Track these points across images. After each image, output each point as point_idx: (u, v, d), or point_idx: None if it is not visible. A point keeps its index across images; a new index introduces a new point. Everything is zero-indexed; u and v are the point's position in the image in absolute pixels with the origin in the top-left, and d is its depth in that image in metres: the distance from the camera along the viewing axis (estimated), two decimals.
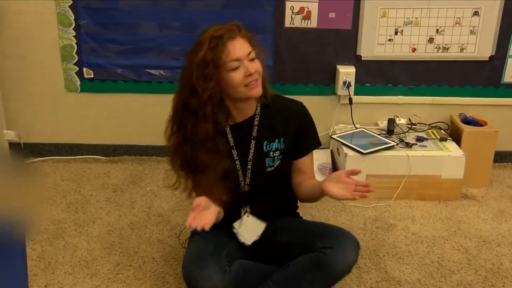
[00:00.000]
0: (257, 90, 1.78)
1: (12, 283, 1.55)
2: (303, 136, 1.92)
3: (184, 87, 1.76)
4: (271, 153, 1.90)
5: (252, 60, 1.76)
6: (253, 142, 1.89)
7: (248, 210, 1.94)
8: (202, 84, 1.71)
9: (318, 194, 1.83)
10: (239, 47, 1.73)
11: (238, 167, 1.91)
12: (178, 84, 1.81)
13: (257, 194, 1.93)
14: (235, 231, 1.92)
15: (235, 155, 1.90)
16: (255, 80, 1.76)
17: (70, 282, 2.08)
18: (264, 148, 1.89)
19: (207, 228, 1.68)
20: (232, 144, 1.89)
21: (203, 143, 1.78)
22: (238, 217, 1.94)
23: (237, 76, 1.74)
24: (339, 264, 1.78)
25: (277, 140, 1.89)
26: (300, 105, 1.94)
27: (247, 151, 1.89)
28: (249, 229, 1.92)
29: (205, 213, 1.72)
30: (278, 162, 1.91)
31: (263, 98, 1.85)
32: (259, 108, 1.88)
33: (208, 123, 1.76)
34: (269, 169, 1.91)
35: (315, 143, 1.97)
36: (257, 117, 1.88)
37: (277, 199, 1.97)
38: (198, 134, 1.76)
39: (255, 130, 1.88)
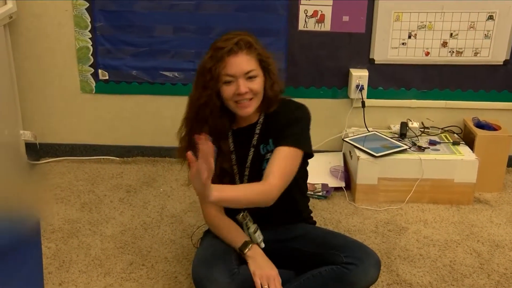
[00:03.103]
0: (246, 111, 1.80)
1: (27, 280, 1.58)
2: (282, 129, 1.83)
3: (192, 90, 1.84)
4: (268, 155, 1.88)
5: (250, 78, 1.76)
6: (252, 149, 1.90)
7: (246, 215, 1.95)
8: (199, 91, 1.78)
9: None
10: (236, 64, 1.74)
11: (236, 171, 1.92)
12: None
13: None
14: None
15: (233, 160, 1.92)
16: (246, 99, 1.77)
17: (84, 280, 2.11)
18: (261, 151, 1.89)
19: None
20: (232, 149, 1.91)
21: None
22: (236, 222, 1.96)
23: (227, 91, 1.77)
24: (361, 282, 1.80)
25: (269, 141, 1.88)
26: (299, 109, 1.88)
27: (246, 157, 1.91)
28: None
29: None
30: None
31: (267, 109, 1.86)
32: (262, 117, 1.89)
33: (206, 125, 1.81)
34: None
35: (289, 139, 1.80)
36: (258, 125, 1.89)
37: (277, 204, 1.84)
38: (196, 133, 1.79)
39: (255, 139, 1.89)
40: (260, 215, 1.92)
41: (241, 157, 1.91)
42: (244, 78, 1.76)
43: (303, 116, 1.88)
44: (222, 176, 1.88)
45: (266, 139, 1.89)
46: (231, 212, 1.94)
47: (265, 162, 1.89)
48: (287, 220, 2.01)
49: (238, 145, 1.91)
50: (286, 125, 1.84)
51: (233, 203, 1.78)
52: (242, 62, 1.75)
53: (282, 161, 1.79)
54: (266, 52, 1.82)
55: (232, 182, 1.92)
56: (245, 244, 1.88)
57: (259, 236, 1.93)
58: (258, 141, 1.89)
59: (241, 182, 1.93)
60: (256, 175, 1.90)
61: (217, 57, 1.74)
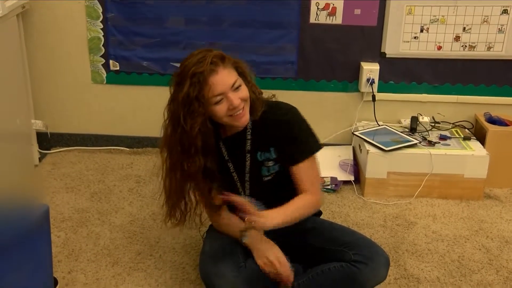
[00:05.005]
0: (243, 120, 1.77)
1: (37, 268, 1.60)
2: (292, 142, 1.85)
3: (174, 125, 1.76)
4: (265, 162, 1.88)
5: (237, 89, 1.73)
6: (248, 155, 1.88)
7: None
8: (189, 121, 1.72)
9: None
10: (221, 81, 1.70)
11: (236, 179, 1.92)
12: (167, 119, 1.80)
13: (259, 202, 1.90)
14: None
15: (231, 167, 1.91)
16: (240, 109, 1.75)
17: (92, 269, 2.13)
18: (259, 158, 1.88)
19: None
20: (226, 157, 1.90)
21: (200, 173, 1.80)
22: None
23: (221, 110, 1.73)
24: (370, 281, 1.80)
25: (268, 149, 1.87)
26: (290, 112, 1.87)
27: (243, 163, 1.89)
28: None
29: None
30: (275, 171, 1.89)
31: (254, 115, 1.83)
32: (250, 123, 1.85)
33: (199, 155, 1.77)
34: (266, 178, 1.90)
35: (307, 150, 1.87)
36: (248, 131, 1.86)
37: (282, 205, 1.88)
38: (192, 168, 1.77)
39: (248, 144, 1.87)
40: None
41: (238, 164, 1.90)
42: (232, 91, 1.72)
43: (300, 120, 1.87)
44: (223, 185, 1.88)
45: (264, 147, 1.87)
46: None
47: (265, 169, 1.89)
48: None
49: (231, 152, 1.90)
50: (292, 137, 1.84)
51: (288, 223, 1.83)
52: (224, 77, 1.71)
53: (310, 174, 1.88)
54: (236, 58, 1.79)
55: (234, 189, 1.91)
56: (242, 235, 1.87)
57: None
58: (252, 147, 1.87)
59: (243, 188, 1.93)
60: (256, 181, 1.91)
61: (199, 82, 1.68)
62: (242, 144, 1.88)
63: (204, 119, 1.73)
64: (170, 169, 1.83)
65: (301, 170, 1.86)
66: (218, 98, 1.71)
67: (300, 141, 1.86)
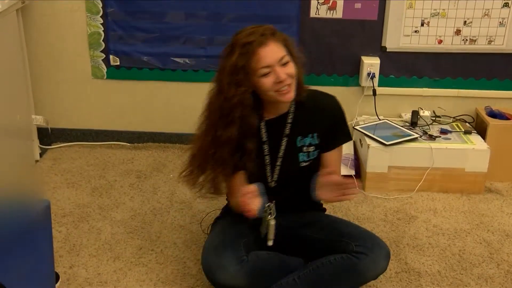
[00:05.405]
0: (288, 96, 1.78)
1: (39, 263, 1.60)
2: (333, 129, 1.92)
3: (217, 92, 1.79)
4: (305, 148, 1.90)
5: (284, 64, 1.75)
6: (285, 139, 1.90)
7: (271, 207, 1.92)
8: (232, 89, 1.74)
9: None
10: (270, 54, 1.73)
11: (267, 162, 1.92)
12: (213, 86, 1.82)
13: (283, 190, 1.93)
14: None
15: (265, 150, 1.91)
16: (287, 85, 1.76)
17: (94, 264, 2.13)
18: (297, 143, 1.89)
19: (254, 214, 1.72)
20: (264, 139, 1.90)
21: (228, 145, 1.79)
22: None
23: (267, 83, 1.75)
24: (370, 272, 1.82)
25: (310, 135, 1.90)
26: (332, 99, 1.94)
27: (278, 147, 1.90)
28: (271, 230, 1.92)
29: (255, 200, 1.73)
30: (314, 157, 1.92)
31: (297, 96, 1.84)
32: (293, 106, 1.89)
33: (235, 126, 1.77)
34: (304, 164, 1.91)
35: (345, 137, 1.97)
36: (290, 114, 1.89)
37: (303, 193, 1.94)
38: (223, 137, 1.78)
39: (288, 128, 1.89)
40: (283, 202, 1.91)
41: (273, 148, 1.91)
42: (280, 65, 1.74)
43: (341, 106, 1.94)
44: (252, 171, 1.87)
45: (306, 132, 1.89)
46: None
47: (304, 155, 1.90)
48: (306, 207, 2.01)
49: (270, 135, 1.90)
50: (339, 122, 1.93)
51: None
52: (274, 50, 1.74)
53: (339, 157, 1.99)
54: (287, 36, 1.81)
55: (262, 174, 1.91)
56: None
57: (272, 233, 1.90)
58: (292, 132, 1.89)
59: (272, 173, 1.92)
60: (290, 167, 1.91)
61: (248, 52, 1.71)
62: (282, 127, 1.89)
63: (246, 90, 1.74)
64: (205, 130, 1.83)
65: (334, 154, 1.94)
66: (265, 70, 1.73)
67: (343, 127, 1.95)
